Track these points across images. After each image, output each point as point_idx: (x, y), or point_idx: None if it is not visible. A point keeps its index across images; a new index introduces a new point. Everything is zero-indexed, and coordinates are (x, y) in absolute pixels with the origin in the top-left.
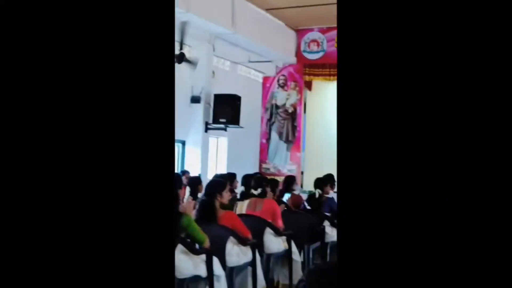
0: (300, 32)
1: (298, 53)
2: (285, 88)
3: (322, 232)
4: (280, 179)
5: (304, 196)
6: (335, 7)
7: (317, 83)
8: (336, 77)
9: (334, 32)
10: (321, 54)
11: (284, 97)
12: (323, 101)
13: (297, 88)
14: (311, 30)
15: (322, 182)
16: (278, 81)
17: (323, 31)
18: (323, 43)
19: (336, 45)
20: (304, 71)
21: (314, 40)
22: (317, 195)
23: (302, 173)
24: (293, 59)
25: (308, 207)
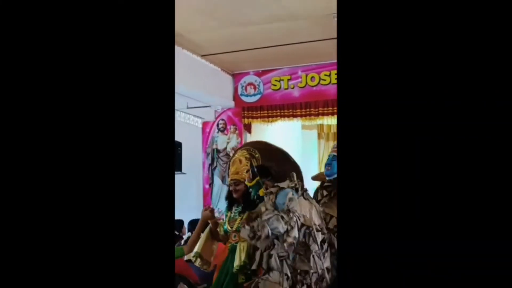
0: (236, 76)
1: (236, 97)
2: (225, 132)
3: None
4: None
5: None
6: (268, 50)
7: (256, 125)
8: (274, 119)
9: (270, 75)
10: (258, 97)
11: (224, 141)
12: None
13: (237, 132)
14: (247, 73)
15: None
16: (217, 125)
17: (258, 74)
18: (260, 86)
19: (272, 87)
20: (243, 114)
21: (250, 84)
22: None
23: None
24: (231, 103)
25: None
